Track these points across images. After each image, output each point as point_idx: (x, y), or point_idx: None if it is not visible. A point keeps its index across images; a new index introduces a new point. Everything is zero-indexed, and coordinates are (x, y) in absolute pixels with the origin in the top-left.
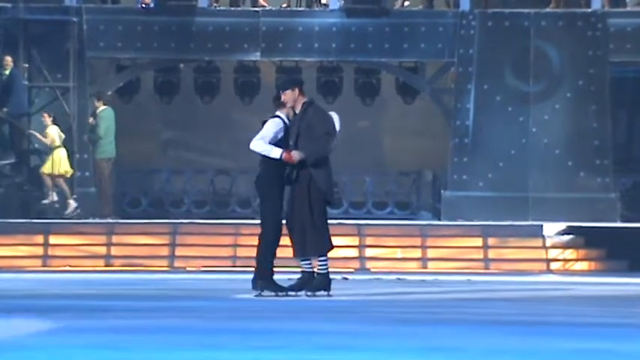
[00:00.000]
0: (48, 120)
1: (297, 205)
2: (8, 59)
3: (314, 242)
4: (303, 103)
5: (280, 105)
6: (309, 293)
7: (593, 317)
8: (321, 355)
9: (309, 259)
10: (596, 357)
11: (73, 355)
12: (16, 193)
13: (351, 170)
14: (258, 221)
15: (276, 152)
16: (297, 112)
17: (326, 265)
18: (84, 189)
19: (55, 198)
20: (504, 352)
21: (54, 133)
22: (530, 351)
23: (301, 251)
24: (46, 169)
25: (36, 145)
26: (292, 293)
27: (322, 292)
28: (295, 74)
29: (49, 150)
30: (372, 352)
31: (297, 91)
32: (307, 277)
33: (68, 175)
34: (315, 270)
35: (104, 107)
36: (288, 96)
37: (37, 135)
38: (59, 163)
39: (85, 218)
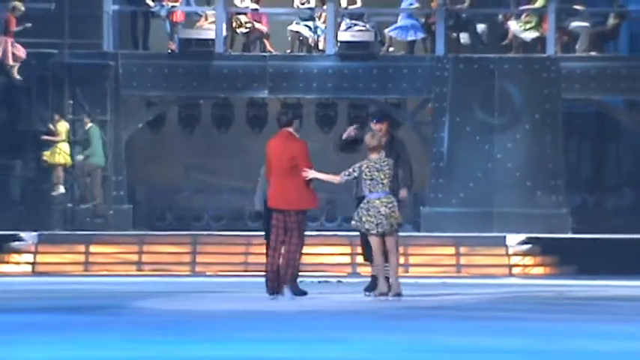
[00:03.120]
0: (58, 117)
1: None
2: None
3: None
4: (387, 133)
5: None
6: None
7: (548, 314)
8: (324, 344)
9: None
10: (548, 344)
11: (110, 345)
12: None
13: (345, 190)
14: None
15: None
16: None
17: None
18: (118, 206)
19: (62, 190)
20: (473, 342)
21: (62, 129)
22: (494, 341)
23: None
24: (47, 156)
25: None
26: (368, 293)
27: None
28: (297, 109)
29: (55, 141)
30: (362, 342)
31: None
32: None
33: (67, 166)
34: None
35: (91, 124)
36: (383, 126)
37: (49, 138)
38: (61, 153)
39: (120, 230)
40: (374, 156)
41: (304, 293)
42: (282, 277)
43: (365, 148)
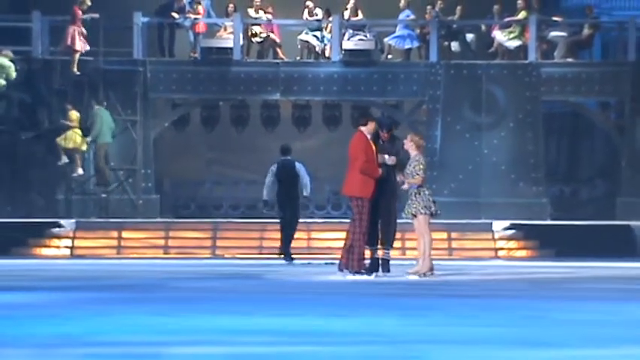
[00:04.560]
0: (70, 107)
1: (391, 207)
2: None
3: (393, 235)
4: (390, 135)
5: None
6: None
7: (529, 291)
8: (321, 320)
9: (377, 247)
10: (530, 320)
11: (139, 320)
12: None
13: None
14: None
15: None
16: (385, 140)
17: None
18: (147, 196)
19: (66, 160)
20: (462, 316)
21: (74, 117)
22: (482, 316)
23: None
24: (61, 140)
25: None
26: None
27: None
28: (306, 110)
29: (68, 127)
30: (360, 317)
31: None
32: (377, 262)
33: (81, 149)
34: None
35: (98, 107)
36: (390, 132)
37: (65, 122)
38: (74, 138)
39: (149, 218)
40: (420, 153)
41: (370, 273)
42: (345, 257)
43: (417, 148)
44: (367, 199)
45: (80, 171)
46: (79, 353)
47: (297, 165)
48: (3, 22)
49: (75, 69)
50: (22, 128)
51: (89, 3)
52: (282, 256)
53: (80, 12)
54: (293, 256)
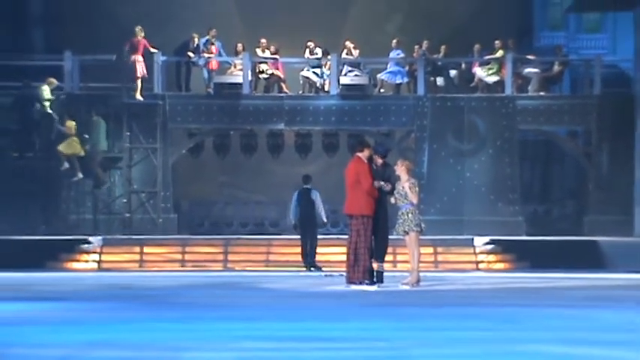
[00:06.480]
0: (66, 116)
1: (386, 225)
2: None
3: (386, 249)
4: (383, 162)
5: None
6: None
7: (506, 300)
8: (320, 324)
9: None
10: (507, 324)
11: (159, 326)
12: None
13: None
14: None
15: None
16: (379, 166)
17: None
18: (166, 215)
19: (67, 166)
20: (448, 321)
21: (71, 126)
22: (465, 321)
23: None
24: (63, 147)
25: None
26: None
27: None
28: (308, 138)
29: (68, 136)
30: (359, 323)
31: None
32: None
33: (79, 154)
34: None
35: (96, 117)
36: (384, 159)
37: (61, 127)
38: (73, 145)
39: (167, 235)
40: (410, 176)
41: (374, 284)
42: (352, 271)
43: (408, 172)
44: (371, 217)
45: (80, 175)
46: (104, 355)
47: (313, 193)
48: (39, 62)
49: (138, 95)
50: (54, 155)
51: (142, 32)
52: (310, 267)
53: (139, 41)
54: (320, 266)
